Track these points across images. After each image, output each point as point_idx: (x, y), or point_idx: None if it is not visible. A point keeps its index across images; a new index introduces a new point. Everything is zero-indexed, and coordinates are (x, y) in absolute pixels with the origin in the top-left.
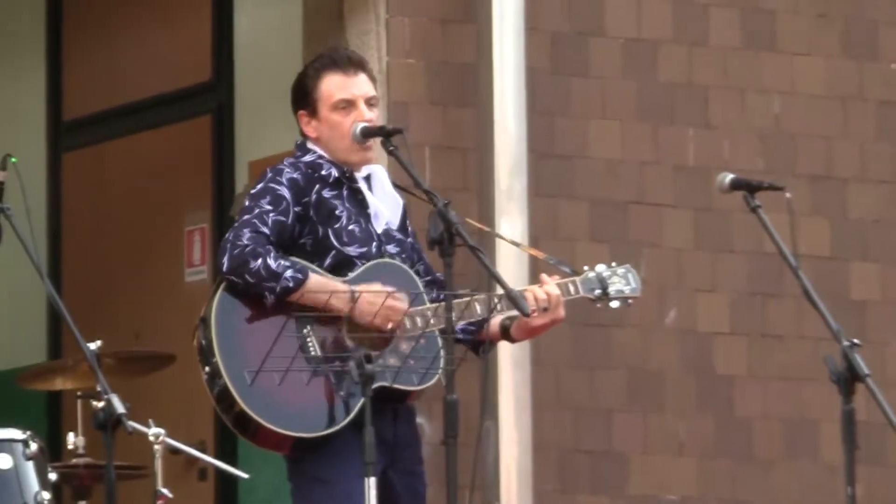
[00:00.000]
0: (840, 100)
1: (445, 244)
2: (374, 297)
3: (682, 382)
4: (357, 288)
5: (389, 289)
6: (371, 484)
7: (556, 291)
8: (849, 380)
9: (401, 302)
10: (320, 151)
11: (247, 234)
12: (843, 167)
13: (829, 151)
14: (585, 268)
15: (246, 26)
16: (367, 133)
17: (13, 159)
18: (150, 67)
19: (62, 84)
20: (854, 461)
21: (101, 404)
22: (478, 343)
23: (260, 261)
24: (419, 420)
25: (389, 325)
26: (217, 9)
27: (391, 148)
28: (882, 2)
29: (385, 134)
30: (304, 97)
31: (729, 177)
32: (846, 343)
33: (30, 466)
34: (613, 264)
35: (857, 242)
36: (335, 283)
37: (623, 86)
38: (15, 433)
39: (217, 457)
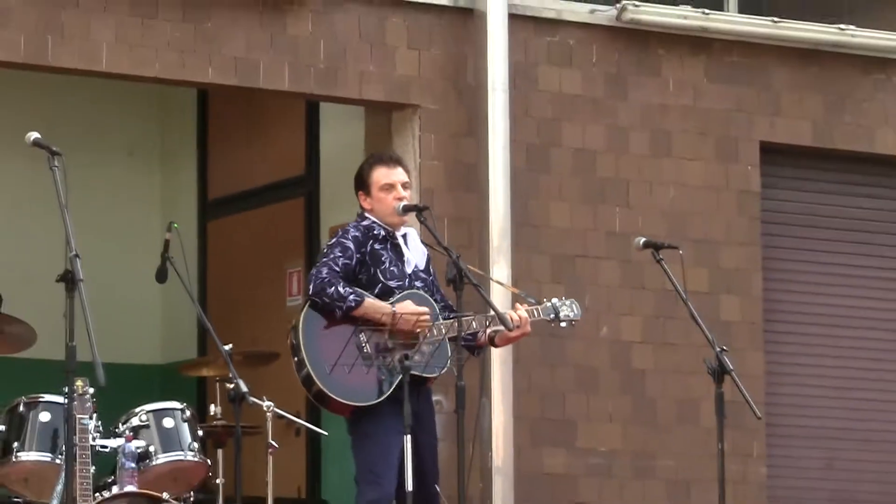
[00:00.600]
0: (714, 189)
1: (457, 282)
2: (411, 314)
3: (611, 374)
4: (399, 307)
5: (422, 308)
6: (407, 439)
7: (525, 315)
8: (719, 373)
9: (428, 317)
10: (373, 219)
11: (325, 271)
12: (715, 234)
13: (706, 224)
14: (545, 300)
15: (328, 137)
16: (407, 209)
17: (175, 225)
18: (265, 163)
19: (207, 174)
20: (723, 426)
21: (232, 386)
22: (474, 348)
23: (333, 288)
24: (438, 398)
25: (419, 331)
26: (309, 125)
27: (422, 219)
28: (739, 126)
29: (418, 210)
30: (361, 182)
31: (642, 240)
32: (718, 349)
33: (185, 426)
34: (563, 298)
35: (725, 284)
36: (384, 306)
37: (572, 180)
38: (176, 404)
39: (307, 421)
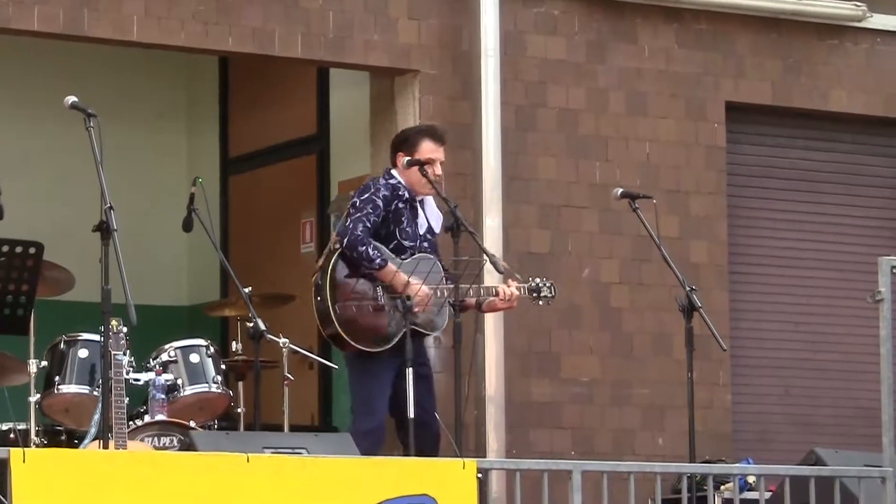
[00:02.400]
0: (684, 145)
1: (455, 230)
2: (421, 294)
3: (591, 311)
4: (413, 280)
5: (425, 288)
6: (409, 372)
7: (515, 292)
8: (689, 309)
9: (426, 294)
10: (399, 179)
11: (360, 228)
12: (686, 185)
13: (678, 175)
14: (529, 279)
15: (337, 100)
16: (411, 163)
17: (200, 179)
18: (281, 124)
19: (229, 133)
20: (692, 358)
21: (251, 324)
22: (459, 309)
23: (363, 247)
24: (437, 334)
25: (417, 309)
26: (319, 89)
27: (424, 172)
28: (706, 87)
29: (420, 164)
30: (408, 145)
31: (620, 190)
32: (688, 288)
33: (210, 361)
34: (545, 280)
35: (694, 229)
36: (401, 274)
37: (557, 137)
38: (201, 341)
39: (319, 356)
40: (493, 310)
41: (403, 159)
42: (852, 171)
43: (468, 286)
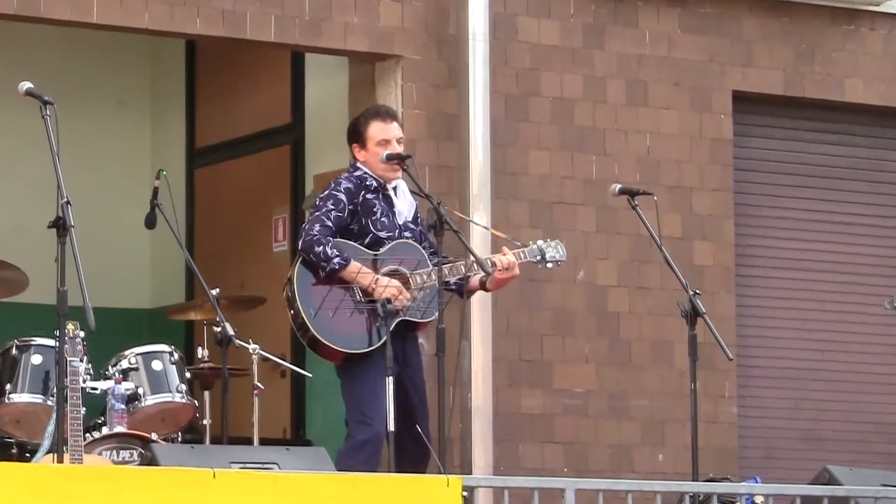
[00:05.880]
0: (688, 137)
1: (438, 228)
2: (391, 288)
3: (586, 317)
4: (381, 281)
5: (395, 283)
6: (389, 381)
7: (513, 259)
8: (692, 316)
9: (406, 298)
10: (365, 170)
11: (317, 227)
12: (689, 180)
13: (680, 170)
14: (531, 242)
15: (313, 88)
16: (390, 158)
17: (164, 172)
18: (252, 113)
19: (195, 123)
20: (696, 367)
21: (218, 329)
22: (463, 292)
23: (321, 248)
24: (420, 341)
25: (399, 308)
26: (294, 76)
27: (405, 167)
28: (712, 76)
29: (401, 158)
30: (357, 135)
31: (618, 186)
32: (691, 292)
33: (174, 368)
34: (548, 239)
35: (698, 229)
36: (365, 272)
37: (550, 128)
38: (164, 347)
39: (292, 363)
40: (499, 285)
41: (361, 154)
42: (869, 167)
43: (452, 260)
